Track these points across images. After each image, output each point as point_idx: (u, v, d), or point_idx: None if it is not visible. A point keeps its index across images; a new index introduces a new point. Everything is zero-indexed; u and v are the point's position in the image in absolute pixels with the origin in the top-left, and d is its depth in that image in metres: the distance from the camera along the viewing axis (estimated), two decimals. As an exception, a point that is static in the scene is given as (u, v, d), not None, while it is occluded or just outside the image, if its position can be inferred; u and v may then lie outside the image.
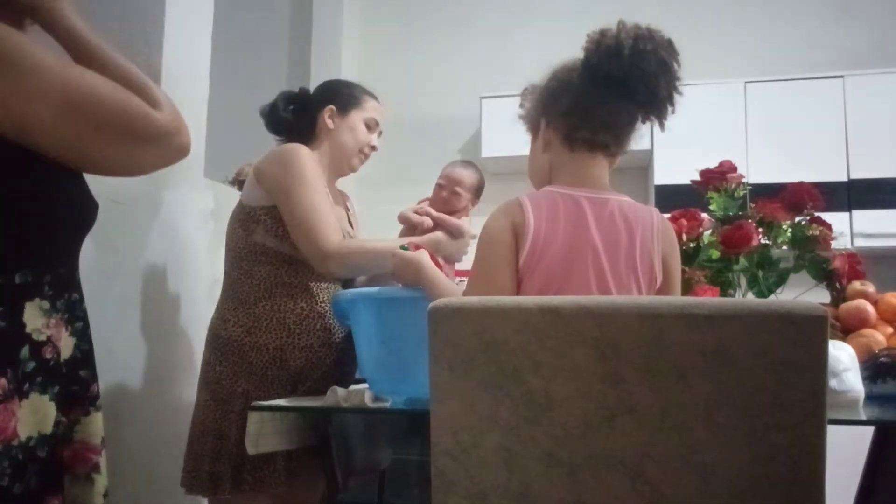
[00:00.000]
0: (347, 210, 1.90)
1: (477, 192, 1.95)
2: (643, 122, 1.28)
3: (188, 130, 1.14)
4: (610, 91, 1.22)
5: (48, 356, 1.00)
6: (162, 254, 1.93)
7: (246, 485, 1.55)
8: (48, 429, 0.99)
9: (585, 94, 1.24)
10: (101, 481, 1.07)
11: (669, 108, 1.23)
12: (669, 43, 1.21)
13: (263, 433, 1.37)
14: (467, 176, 1.93)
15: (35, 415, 0.98)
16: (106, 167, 1.11)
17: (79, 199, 1.09)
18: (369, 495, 1.91)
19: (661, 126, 1.25)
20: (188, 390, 1.88)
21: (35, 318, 1.00)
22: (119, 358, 1.73)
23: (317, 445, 1.49)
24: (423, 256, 1.40)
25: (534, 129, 1.36)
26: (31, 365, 0.98)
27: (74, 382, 1.06)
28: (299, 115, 1.83)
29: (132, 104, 1.05)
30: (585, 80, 1.25)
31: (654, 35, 1.20)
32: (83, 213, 1.10)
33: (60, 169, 1.05)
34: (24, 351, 0.98)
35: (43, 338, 1.00)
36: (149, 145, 1.08)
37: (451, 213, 1.87)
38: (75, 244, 1.10)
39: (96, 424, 1.08)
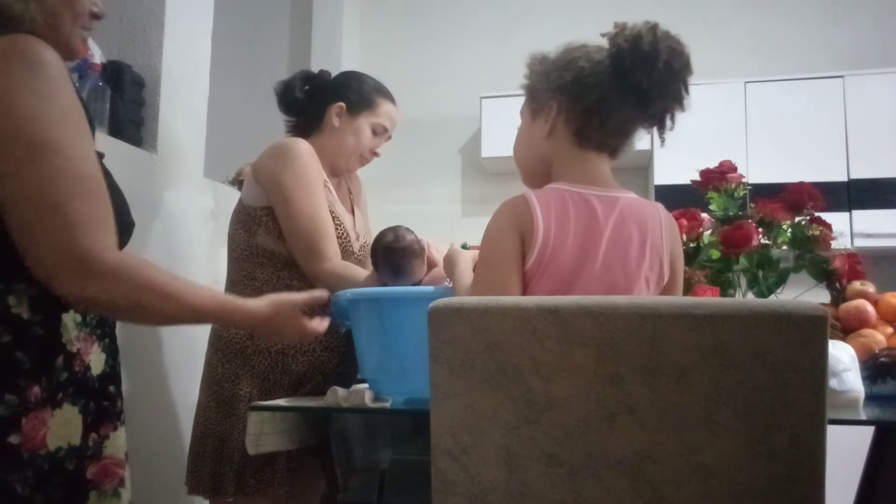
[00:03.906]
0: (350, 193, 1.88)
1: (420, 252, 1.62)
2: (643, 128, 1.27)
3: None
4: (631, 100, 1.19)
5: (77, 368, 1.00)
6: (162, 254, 1.93)
7: (249, 488, 1.54)
8: (78, 441, 0.99)
9: (609, 98, 1.19)
10: (126, 496, 1.07)
11: (669, 125, 1.22)
12: (688, 60, 1.18)
13: (264, 433, 1.37)
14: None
15: (66, 426, 0.97)
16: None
17: (119, 217, 1.09)
18: (369, 495, 1.91)
19: (662, 140, 1.24)
20: (189, 389, 1.88)
21: (69, 329, 1.00)
22: (120, 357, 1.73)
23: (317, 445, 1.49)
24: (463, 255, 1.36)
25: (539, 110, 1.27)
26: (65, 375, 0.98)
27: (105, 398, 1.06)
28: (311, 100, 1.78)
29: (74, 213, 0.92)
30: (612, 83, 1.19)
31: (683, 51, 1.17)
32: (123, 229, 1.10)
33: (108, 186, 1.05)
34: (59, 360, 0.98)
35: (74, 350, 1.00)
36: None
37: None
38: None
39: (122, 439, 1.09)
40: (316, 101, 1.77)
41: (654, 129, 1.23)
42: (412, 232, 1.59)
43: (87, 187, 0.95)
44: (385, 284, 1.56)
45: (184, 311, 1.03)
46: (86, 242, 0.92)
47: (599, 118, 1.20)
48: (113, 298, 0.95)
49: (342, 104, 1.74)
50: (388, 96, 1.81)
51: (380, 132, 1.78)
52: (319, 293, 1.30)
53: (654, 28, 1.17)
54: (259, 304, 1.16)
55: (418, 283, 1.57)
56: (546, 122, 1.25)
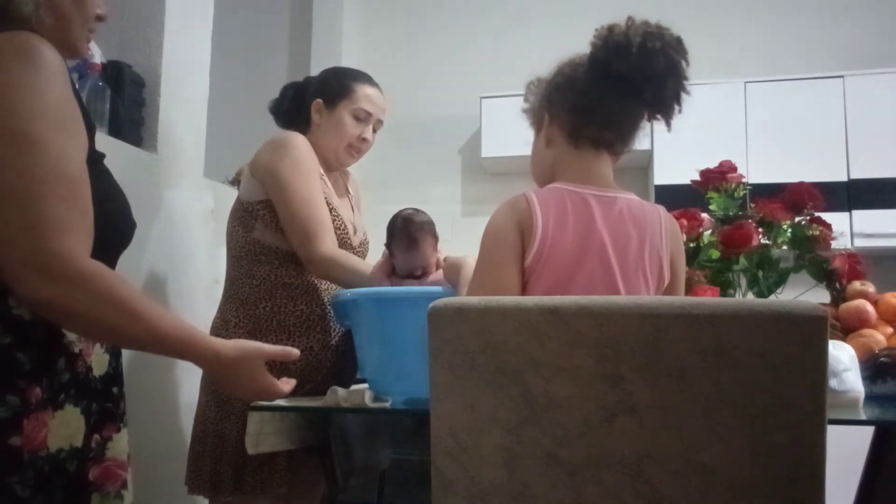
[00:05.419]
0: (348, 193, 1.89)
1: (435, 234, 1.64)
2: (648, 121, 1.26)
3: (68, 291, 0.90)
4: (616, 89, 1.20)
5: (79, 370, 1.00)
6: (162, 254, 1.93)
7: (247, 486, 1.54)
8: (79, 442, 0.98)
9: (591, 91, 1.22)
10: (129, 498, 1.07)
11: (676, 108, 1.21)
12: (678, 41, 1.19)
13: (263, 433, 1.37)
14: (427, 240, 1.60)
15: (68, 427, 0.97)
16: None
17: (122, 216, 1.09)
18: (369, 495, 1.91)
19: (668, 126, 1.24)
20: (189, 390, 1.88)
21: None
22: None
23: (317, 445, 1.49)
24: (467, 260, 1.38)
25: (537, 124, 1.33)
26: (66, 376, 0.98)
27: (108, 399, 1.06)
28: (298, 106, 1.81)
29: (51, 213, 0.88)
30: (592, 77, 1.22)
31: (664, 33, 1.18)
32: (124, 230, 1.10)
33: (108, 186, 1.04)
34: (61, 362, 0.97)
35: (76, 350, 1.00)
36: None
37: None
38: (113, 261, 1.08)
39: (124, 440, 1.08)
40: (302, 106, 1.80)
41: (661, 118, 1.23)
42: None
43: (64, 188, 0.91)
44: (395, 260, 1.57)
45: (144, 333, 0.96)
46: (53, 244, 0.88)
47: (585, 113, 1.23)
48: (70, 305, 0.90)
49: (320, 100, 1.76)
50: (365, 80, 1.80)
51: (363, 117, 1.76)
52: (291, 350, 1.17)
53: (627, 20, 1.19)
54: (226, 345, 1.06)
55: (426, 275, 1.58)
56: (544, 133, 1.29)
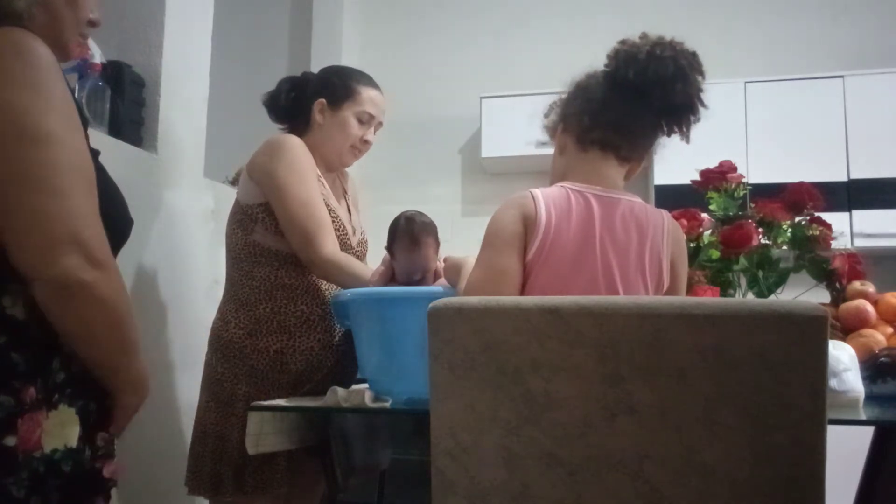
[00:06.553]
0: (345, 192, 1.88)
1: (437, 237, 1.62)
2: (668, 135, 1.28)
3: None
4: (624, 94, 1.23)
5: (75, 369, 1.00)
6: (162, 254, 1.93)
7: (248, 487, 1.54)
8: (74, 442, 0.98)
9: (598, 96, 1.26)
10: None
11: (692, 118, 1.23)
12: (693, 55, 1.21)
13: (264, 433, 1.37)
14: (429, 241, 1.58)
15: (63, 427, 0.97)
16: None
17: (118, 214, 1.09)
18: (369, 495, 1.91)
19: (686, 138, 1.26)
20: (189, 390, 1.88)
21: None
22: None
23: (317, 445, 1.49)
24: (468, 260, 1.39)
25: (552, 134, 1.37)
26: (62, 376, 0.98)
27: (108, 398, 1.06)
28: (297, 103, 1.79)
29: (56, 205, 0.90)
30: (601, 85, 1.27)
31: (675, 45, 1.21)
32: (123, 227, 1.11)
33: (105, 183, 1.04)
34: (56, 362, 0.97)
35: (71, 350, 1.00)
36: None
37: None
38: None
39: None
40: (301, 103, 1.78)
41: (677, 129, 1.26)
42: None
43: (85, 180, 0.95)
44: (396, 261, 1.56)
45: (129, 338, 1.01)
46: (88, 231, 0.92)
47: (591, 115, 1.26)
48: (102, 290, 0.93)
49: (323, 100, 1.75)
50: (369, 83, 1.80)
51: (366, 120, 1.77)
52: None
53: (641, 34, 1.23)
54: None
55: (425, 282, 1.57)
56: (557, 141, 1.33)
